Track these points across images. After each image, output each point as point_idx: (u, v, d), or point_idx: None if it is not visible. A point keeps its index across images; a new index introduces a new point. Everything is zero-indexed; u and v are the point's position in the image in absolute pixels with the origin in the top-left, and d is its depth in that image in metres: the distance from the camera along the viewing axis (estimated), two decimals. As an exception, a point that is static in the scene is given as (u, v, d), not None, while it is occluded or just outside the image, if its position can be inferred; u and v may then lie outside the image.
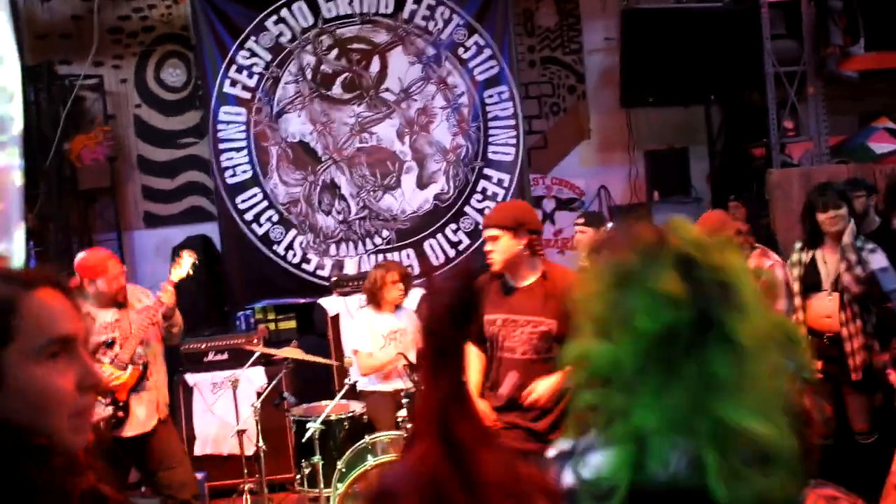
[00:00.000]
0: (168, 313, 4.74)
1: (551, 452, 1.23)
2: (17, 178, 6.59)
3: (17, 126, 6.71)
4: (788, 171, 6.87)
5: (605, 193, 8.26)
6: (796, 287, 4.81)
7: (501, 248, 3.74)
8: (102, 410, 4.46)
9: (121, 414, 4.54)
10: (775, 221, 6.50)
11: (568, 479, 1.16)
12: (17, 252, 6.29)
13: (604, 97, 8.22)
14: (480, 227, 7.43)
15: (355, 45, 7.62)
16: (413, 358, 5.00)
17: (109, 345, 4.56)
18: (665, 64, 7.34)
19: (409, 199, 7.58)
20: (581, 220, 6.16)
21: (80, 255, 4.75)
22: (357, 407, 5.13)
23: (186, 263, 4.92)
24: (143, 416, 4.62)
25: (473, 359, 3.82)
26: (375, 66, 7.62)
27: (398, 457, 1.04)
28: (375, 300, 5.47)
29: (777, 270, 4.68)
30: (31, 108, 7.16)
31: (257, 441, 5.22)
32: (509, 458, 1.00)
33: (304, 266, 7.47)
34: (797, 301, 4.81)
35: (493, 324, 3.78)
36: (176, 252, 7.35)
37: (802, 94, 7.08)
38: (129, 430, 4.56)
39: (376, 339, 5.36)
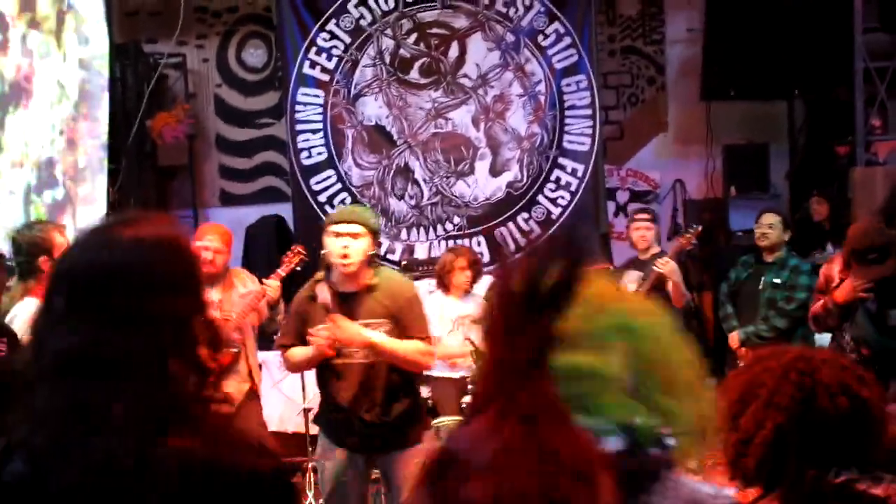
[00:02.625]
0: (273, 304, 4.81)
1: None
2: (104, 158, 6.76)
3: (105, 105, 6.88)
4: (873, 169, 6.65)
5: (681, 187, 8.12)
6: None
7: (359, 249, 3.66)
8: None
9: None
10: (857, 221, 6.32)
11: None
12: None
13: (683, 89, 8.07)
14: (553, 217, 7.45)
15: (434, 30, 7.61)
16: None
17: None
18: (749, 56, 7.16)
19: (482, 186, 7.56)
20: (645, 216, 6.06)
21: (206, 224, 4.87)
22: (423, 391, 5.15)
23: (297, 259, 4.97)
24: (231, 397, 4.68)
25: None
26: (454, 51, 7.61)
27: (463, 423, 1.02)
28: (444, 284, 5.54)
29: None
30: (118, 85, 7.33)
31: (322, 420, 5.27)
32: (578, 432, 0.99)
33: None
34: None
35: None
36: (250, 231, 7.51)
37: (893, 90, 6.84)
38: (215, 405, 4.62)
39: (444, 323, 5.39)
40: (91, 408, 1.14)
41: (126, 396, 1.15)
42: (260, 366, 6.22)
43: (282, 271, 4.90)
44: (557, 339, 0.98)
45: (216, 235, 4.69)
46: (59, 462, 1.13)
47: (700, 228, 5.81)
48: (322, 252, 3.86)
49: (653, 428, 1.24)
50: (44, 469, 1.14)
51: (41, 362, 1.18)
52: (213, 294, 4.64)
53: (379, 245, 3.72)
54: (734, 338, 5.68)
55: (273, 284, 4.78)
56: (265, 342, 6.42)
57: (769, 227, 5.64)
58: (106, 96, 6.89)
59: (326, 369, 3.79)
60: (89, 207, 6.44)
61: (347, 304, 3.70)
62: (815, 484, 1.63)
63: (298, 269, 5.02)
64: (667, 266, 5.44)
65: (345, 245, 3.65)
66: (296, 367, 4.11)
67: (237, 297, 4.72)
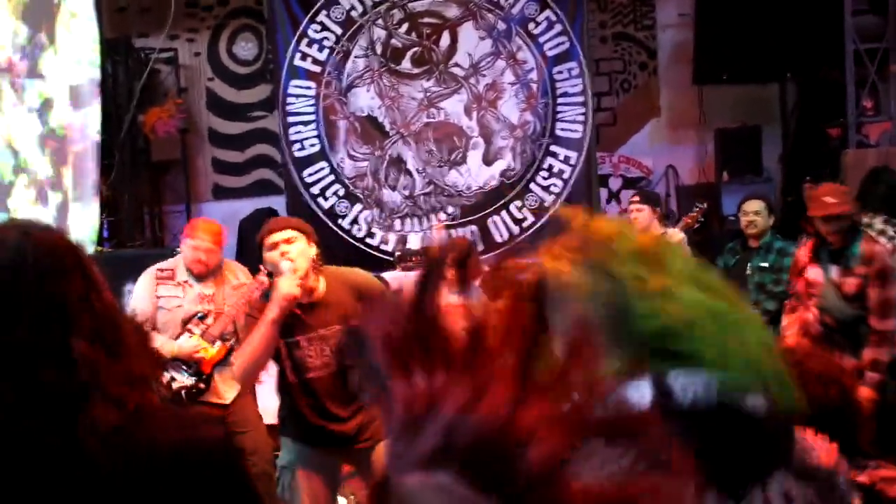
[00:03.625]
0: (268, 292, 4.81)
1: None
2: (96, 155, 6.75)
3: (97, 100, 6.87)
4: (864, 151, 6.65)
5: (673, 173, 8.12)
6: None
7: (299, 250, 3.48)
8: (186, 379, 4.55)
9: (202, 385, 4.61)
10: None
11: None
12: (91, 222, 6.46)
13: (675, 74, 8.07)
14: (546, 204, 7.46)
15: (426, 20, 7.60)
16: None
17: (202, 317, 4.64)
18: (740, 40, 7.16)
19: (475, 175, 7.57)
20: (637, 199, 6.05)
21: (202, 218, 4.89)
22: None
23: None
24: (227, 391, 4.70)
25: None
26: (445, 40, 7.60)
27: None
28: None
29: (889, 257, 4.53)
30: (108, 80, 7.33)
31: (317, 412, 5.29)
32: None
33: (369, 240, 7.53)
34: None
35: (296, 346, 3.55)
36: (243, 224, 7.52)
37: (884, 72, 6.83)
38: (208, 398, 4.64)
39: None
40: None
41: (15, 377, 1.19)
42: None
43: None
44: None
45: (207, 235, 4.69)
46: None
47: (705, 206, 5.81)
48: (263, 274, 3.72)
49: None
50: None
51: None
52: (206, 288, 4.65)
53: (318, 244, 3.59)
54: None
55: (267, 280, 4.77)
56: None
57: (756, 214, 5.64)
58: (98, 91, 6.89)
59: (293, 387, 3.71)
60: (82, 204, 6.45)
61: (300, 319, 3.63)
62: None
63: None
64: (675, 238, 5.38)
65: (284, 252, 3.49)
66: (252, 367, 3.83)
67: (230, 290, 4.73)
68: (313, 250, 3.53)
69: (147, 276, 4.60)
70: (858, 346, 4.35)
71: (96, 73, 6.85)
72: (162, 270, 4.65)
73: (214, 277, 4.71)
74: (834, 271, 4.44)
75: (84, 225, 6.30)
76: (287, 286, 3.38)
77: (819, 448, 1.25)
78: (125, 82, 7.57)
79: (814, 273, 4.51)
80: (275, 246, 3.53)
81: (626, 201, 8.04)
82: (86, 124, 6.68)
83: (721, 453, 0.97)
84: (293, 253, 3.46)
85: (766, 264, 5.56)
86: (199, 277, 4.68)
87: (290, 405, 3.73)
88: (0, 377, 1.20)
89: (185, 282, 4.53)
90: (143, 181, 7.78)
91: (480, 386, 0.70)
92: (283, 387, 3.68)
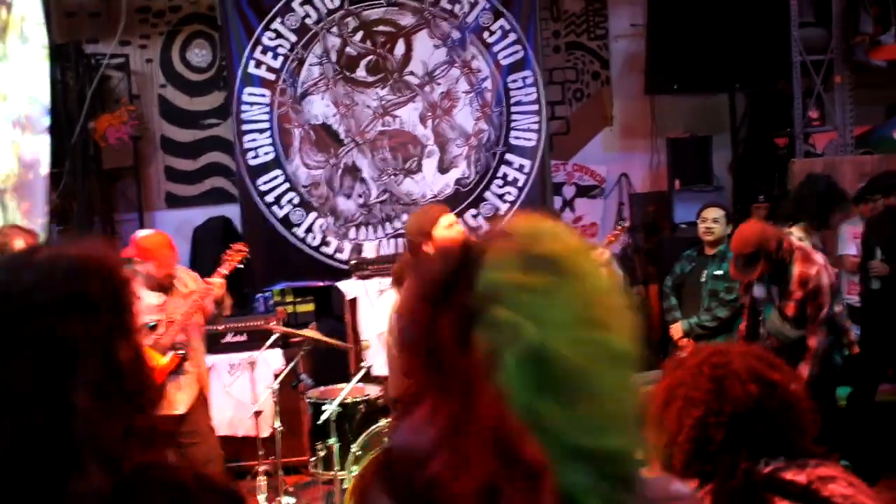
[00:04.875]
0: (219, 300, 4.82)
1: None
2: (45, 167, 6.64)
3: (46, 112, 6.76)
4: (811, 161, 6.81)
5: (626, 181, 8.22)
6: None
7: None
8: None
9: None
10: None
11: None
12: (39, 231, 6.35)
13: (628, 84, 8.17)
14: (501, 213, 7.50)
15: (380, 28, 7.61)
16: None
17: (152, 327, 4.60)
18: (691, 51, 7.29)
19: (430, 183, 7.59)
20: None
21: (143, 233, 4.83)
22: (373, 391, 5.17)
23: (238, 257, 4.98)
24: (180, 401, 4.66)
25: None
26: (400, 49, 7.61)
27: (404, 416, 0.96)
28: (400, 283, 5.53)
29: (822, 277, 4.65)
30: (58, 86, 7.21)
31: (273, 423, 5.28)
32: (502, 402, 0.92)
33: (324, 249, 7.51)
34: None
35: None
36: (197, 233, 7.45)
37: (829, 83, 7.01)
38: (161, 410, 4.60)
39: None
40: None
41: (11, 421, 1.07)
42: (209, 369, 6.22)
43: (224, 269, 4.90)
44: (479, 313, 0.92)
45: (172, 250, 4.72)
46: None
47: (626, 225, 5.96)
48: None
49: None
50: None
51: None
52: (156, 298, 4.62)
53: None
54: (677, 328, 5.80)
55: (217, 282, 4.78)
56: (214, 346, 6.41)
57: (714, 222, 5.75)
58: (47, 97, 6.77)
59: None
60: (30, 212, 6.34)
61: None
62: (746, 476, 1.67)
63: (241, 265, 5.03)
64: (602, 256, 5.43)
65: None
66: None
67: (180, 298, 4.71)
68: None
69: None
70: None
71: (46, 79, 6.74)
72: None
73: (162, 287, 4.70)
74: (775, 292, 4.70)
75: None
76: None
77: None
78: (75, 88, 7.45)
79: (758, 291, 4.79)
80: (448, 227, 3.84)
81: (580, 209, 8.15)
82: (34, 130, 6.57)
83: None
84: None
85: (720, 272, 5.67)
86: (150, 287, 4.66)
87: None
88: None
89: (134, 293, 4.50)
90: (95, 189, 7.66)
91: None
92: None
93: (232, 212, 7.70)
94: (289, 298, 7.04)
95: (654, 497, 1.07)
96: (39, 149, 6.47)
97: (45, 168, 6.52)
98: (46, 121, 6.57)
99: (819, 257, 4.70)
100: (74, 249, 1.23)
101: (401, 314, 0.97)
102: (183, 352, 4.66)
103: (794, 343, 4.56)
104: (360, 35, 7.59)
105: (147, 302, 4.60)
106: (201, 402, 4.90)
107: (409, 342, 0.96)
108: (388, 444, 0.98)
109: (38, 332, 1.12)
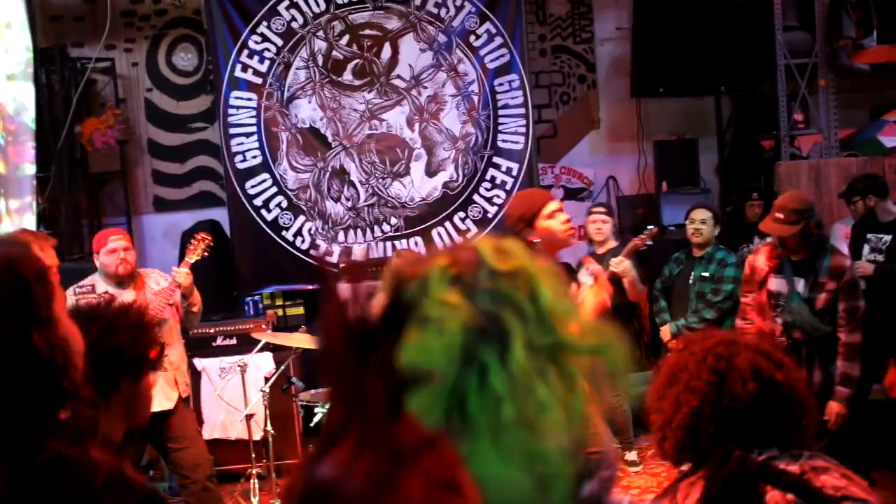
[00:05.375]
0: (186, 292, 4.82)
1: None
2: (30, 169, 6.61)
3: (31, 115, 6.73)
4: (797, 163, 6.88)
5: (614, 183, 8.27)
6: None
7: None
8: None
9: None
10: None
11: None
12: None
13: (614, 87, 8.22)
14: (490, 215, 7.53)
15: (367, 32, 7.61)
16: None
17: None
18: (676, 54, 7.35)
19: (418, 186, 7.60)
20: (602, 209, 6.15)
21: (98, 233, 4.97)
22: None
23: (202, 245, 5.00)
24: (160, 396, 4.64)
25: None
26: (386, 52, 7.62)
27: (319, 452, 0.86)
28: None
29: (857, 271, 4.64)
30: (43, 90, 7.18)
31: (265, 426, 5.27)
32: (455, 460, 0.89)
33: (313, 252, 7.50)
34: None
35: None
36: (185, 237, 7.43)
37: (813, 86, 7.08)
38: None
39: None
40: None
41: None
42: (200, 373, 6.22)
43: (189, 259, 4.92)
44: (410, 376, 0.87)
45: (118, 235, 4.80)
46: None
47: (656, 230, 5.70)
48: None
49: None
50: None
51: None
52: (127, 295, 4.63)
53: None
54: (666, 330, 5.84)
55: (182, 271, 4.79)
56: (204, 349, 6.40)
57: (702, 223, 5.79)
58: (32, 102, 6.75)
59: None
60: (18, 217, 6.31)
61: None
62: (739, 463, 1.69)
63: (206, 254, 5.05)
64: (620, 266, 5.36)
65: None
66: None
67: (152, 295, 4.72)
68: None
69: (67, 297, 4.56)
70: (828, 361, 4.35)
71: (30, 83, 6.72)
72: (80, 286, 4.77)
73: (135, 283, 4.75)
74: (801, 285, 4.42)
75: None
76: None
77: None
78: (61, 92, 7.42)
79: (776, 284, 4.48)
80: (552, 215, 3.61)
81: (568, 211, 8.15)
82: (20, 135, 6.55)
83: None
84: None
85: (707, 274, 5.71)
86: (121, 284, 4.70)
87: None
88: None
89: (105, 292, 4.51)
90: (82, 193, 7.63)
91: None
92: None
93: (220, 215, 7.68)
94: (279, 301, 7.05)
95: None
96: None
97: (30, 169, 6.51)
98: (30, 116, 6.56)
99: None
100: None
101: (322, 349, 0.88)
102: (160, 345, 4.65)
103: (822, 338, 4.33)
104: (346, 39, 7.60)
105: (119, 300, 4.60)
106: (185, 406, 4.90)
107: (332, 383, 0.87)
108: (308, 477, 0.86)
109: None
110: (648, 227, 5.67)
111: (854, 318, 4.33)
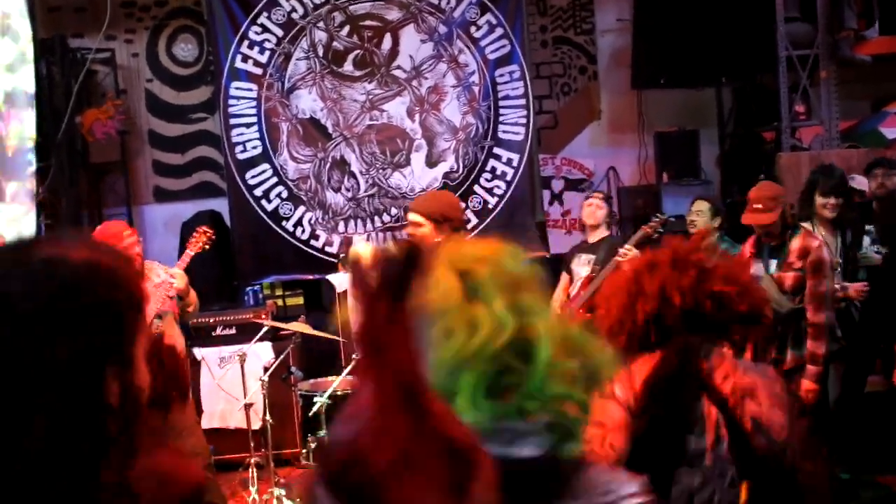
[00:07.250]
0: (181, 294, 4.82)
1: None
2: (32, 157, 6.60)
3: (32, 101, 6.72)
4: (798, 154, 6.85)
5: (614, 174, 8.26)
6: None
7: (421, 237, 3.72)
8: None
9: None
10: (784, 205, 6.53)
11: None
12: (27, 226, 6.32)
13: (615, 78, 8.20)
14: (490, 206, 7.53)
15: (367, 22, 7.60)
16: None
17: None
18: (677, 45, 7.32)
19: (419, 177, 7.59)
20: (599, 195, 6.11)
21: (100, 227, 4.86)
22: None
23: (204, 239, 5.00)
24: None
25: None
26: (387, 43, 7.61)
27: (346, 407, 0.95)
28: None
29: (823, 251, 4.70)
30: (44, 81, 7.17)
31: (264, 415, 5.28)
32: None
33: (313, 242, 7.50)
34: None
35: None
36: (186, 227, 7.43)
37: (815, 77, 7.06)
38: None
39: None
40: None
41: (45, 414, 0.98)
42: (199, 362, 6.23)
43: (190, 251, 4.93)
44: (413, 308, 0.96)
45: (130, 231, 4.78)
46: None
47: (666, 217, 5.70)
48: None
49: (580, 421, 1.20)
50: None
51: None
52: None
53: None
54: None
55: (178, 273, 4.80)
56: (204, 339, 6.41)
57: (697, 215, 5.76)
58: (33, 92, 6.74)
59: None
60: (17, 207, 6.31)
61: None
62: (688, 343, 1.82)
63: (207, 248, 5.06)
64: (628, 255, 5.27)
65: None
66: None
67: (153, 288, 4.73)
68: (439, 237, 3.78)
69: None
70: (799, 341, 4.52)
71: (30, 73, 6.70)
72: None
73: (140, 277, 4.73)
74: (773, 266, 4.63)
75: (19, 229, 6.15)
76: None
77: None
78: (61, 83, 7.41)
79: (754, 268, 4.61)
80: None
81: (568, 202, 8.17)
82: (20, 125, 6.53)
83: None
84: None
85: (708, 265, 5.68)
86: None
87: None
88: None
89: None
90: (82, 184, 7.64)
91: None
92: None
93: (220, 206, 7.68)
94: (279, 292, 7.06)
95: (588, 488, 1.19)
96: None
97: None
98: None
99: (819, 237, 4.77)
100: (80, 251, 1.09)
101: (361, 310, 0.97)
102: (158, 336, 4.67)
103: (786, 316, 4.52)
104: (346, 29, 7.59)
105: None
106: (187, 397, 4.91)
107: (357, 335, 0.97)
108: (332, 446, 0.96)
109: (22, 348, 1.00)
110: (657, 215, 5.65)
111: (818, 298, 4.48)
